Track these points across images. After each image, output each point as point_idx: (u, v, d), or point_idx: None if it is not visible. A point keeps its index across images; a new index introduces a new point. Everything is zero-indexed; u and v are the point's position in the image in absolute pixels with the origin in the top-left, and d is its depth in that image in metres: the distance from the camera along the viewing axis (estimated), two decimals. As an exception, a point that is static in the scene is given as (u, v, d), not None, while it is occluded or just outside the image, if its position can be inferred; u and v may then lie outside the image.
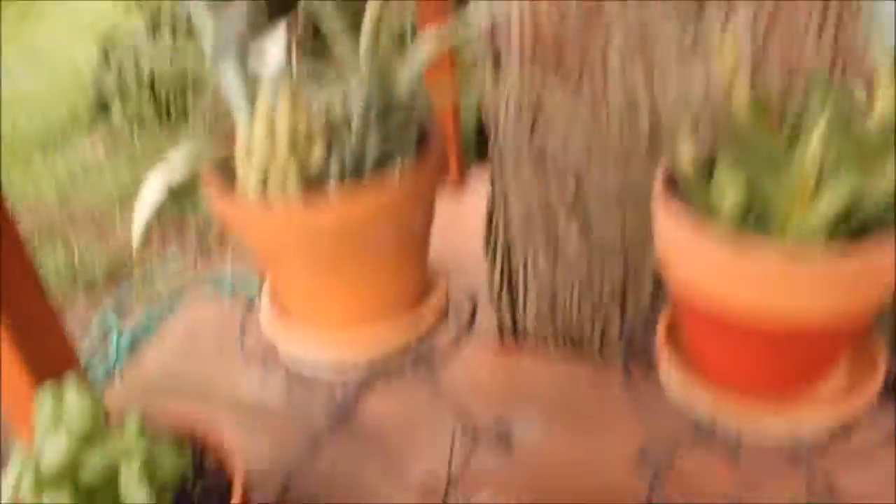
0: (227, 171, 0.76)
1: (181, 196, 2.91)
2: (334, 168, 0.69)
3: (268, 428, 1.19)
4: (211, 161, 0.76)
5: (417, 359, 0.90)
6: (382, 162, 0.71)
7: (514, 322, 1.32)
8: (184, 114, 3.12)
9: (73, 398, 0.74)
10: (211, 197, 0.74)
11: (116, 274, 2.72)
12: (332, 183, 0.69)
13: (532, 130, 1.09)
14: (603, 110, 1.03)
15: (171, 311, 2.35)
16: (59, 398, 0.75)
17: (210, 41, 0.71)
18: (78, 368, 1.14)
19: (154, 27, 3.18)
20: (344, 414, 0.98)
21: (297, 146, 0.68)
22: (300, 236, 0.69)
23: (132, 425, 0.76)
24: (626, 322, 1.21)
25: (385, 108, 0.69)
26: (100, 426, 0.75)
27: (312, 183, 0.70)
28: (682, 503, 0.99)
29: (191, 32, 3.09)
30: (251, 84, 0.73)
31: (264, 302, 0.88)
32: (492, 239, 1.26)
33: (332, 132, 0.70)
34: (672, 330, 0.85)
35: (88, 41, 3.64)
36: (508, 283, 1.29)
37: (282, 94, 0.67)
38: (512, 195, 1.18)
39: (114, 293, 2.59)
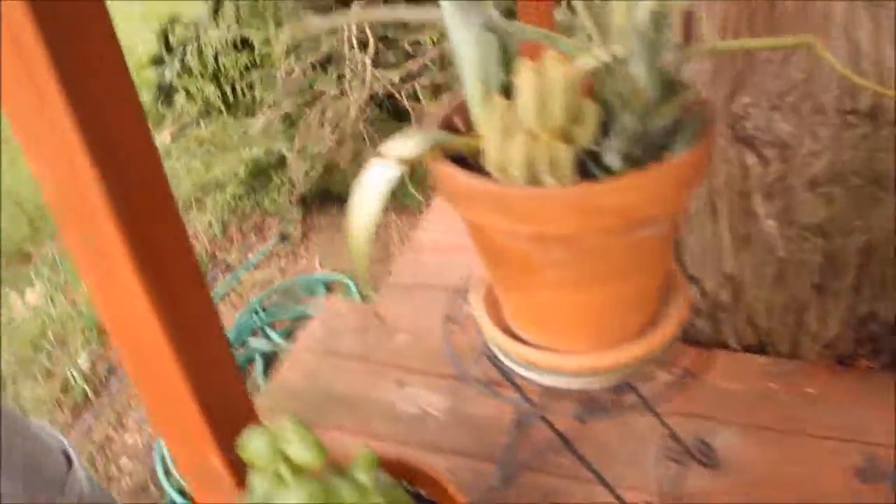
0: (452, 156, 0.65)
1: (257, 189, 2.82)
2: (614, 149, 0.57)
3: (443, 445, 1.10)
4: (437, 144, 0.65)
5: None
6: (659, 146, 0.59)
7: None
8: (252, 101, 3.02)
9: (296, 442, 0.64)
10: (451, 182, 0.62)
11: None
12: (614, 165, 0.58)
13: (731, 96, 0.96)
14: (819, 75, 0.91)
15: (271, 315, 2.27)
16: (275, 441, 0.65)
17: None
18: (256, 416, 1.04)
19: (216, 12, 3.07)
20: (543, 434, 0.88)
21: (571, 122, 0.56)
22: (571, 223, 0.57)
23: (363, 466, 0.66)
24: (825, 314, 1.08)
25: (670, 83, 0.57)
26: (327, 471, 0.65)
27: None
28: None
29: (256, 16, 2.98)
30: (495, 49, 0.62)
31: (477, 309, 0.77)
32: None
33: (607, 109, 0.58)
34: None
35: (147, 28, 3.55)
36: (680, 268, 1.16)
37: (553, 61, 0.55)
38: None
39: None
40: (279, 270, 2.54)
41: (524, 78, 0.55)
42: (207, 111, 3.15)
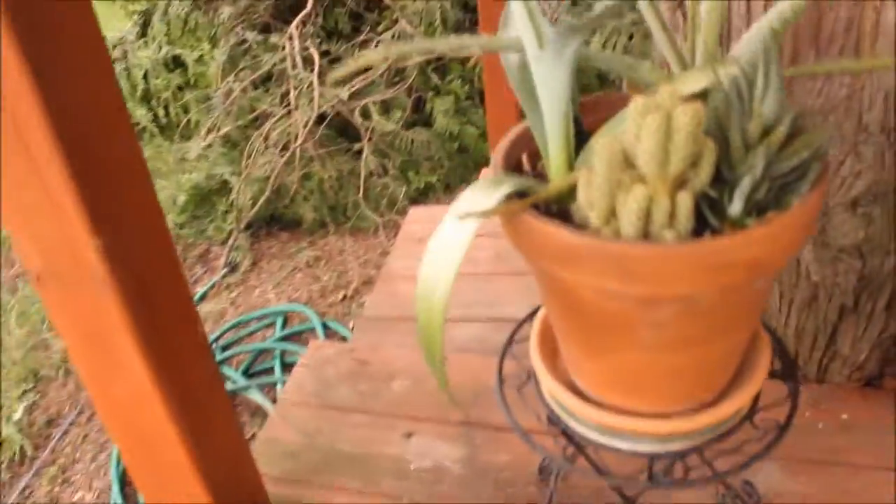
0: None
1: (200, 217, 2.66)
2: (741, 195, 0.49)
3: (465, 501, 1.00)
4: (514, 193, 0.56)
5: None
6: (777, 188, 0.52)
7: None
8: (188, 124, 2.85)
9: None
10: (543, 237, 0.53)
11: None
12: (736, 212, 0.50)
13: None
14: (863, 92, 0.85)
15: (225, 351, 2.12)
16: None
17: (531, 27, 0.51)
18: (265, 494, 0.93)
19: (144, 30, 2.90)
20: (582, 483, 0.80)
21: (689, 167, 0.48)
22: (696, 282, 0.49)
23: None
24: (857, 338, 1.04)
25: (795, 124, 0.50)
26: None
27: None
28: None
29: (188, 34, 2.82)
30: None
31: (538, 366, 0.68)
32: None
33: (725, 151, 0.50)
34: None
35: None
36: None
37: (671, 99, 0.47)
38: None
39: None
40: (230, 303, 2.39)
41: (648, 121, 0.46)
42: (139, 135, 2.97)
